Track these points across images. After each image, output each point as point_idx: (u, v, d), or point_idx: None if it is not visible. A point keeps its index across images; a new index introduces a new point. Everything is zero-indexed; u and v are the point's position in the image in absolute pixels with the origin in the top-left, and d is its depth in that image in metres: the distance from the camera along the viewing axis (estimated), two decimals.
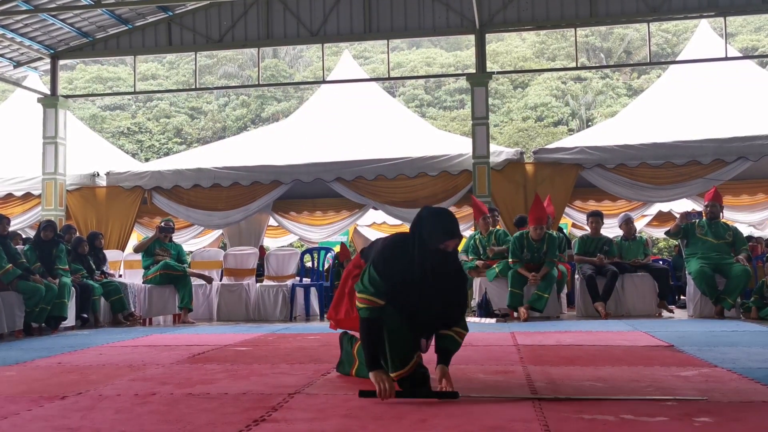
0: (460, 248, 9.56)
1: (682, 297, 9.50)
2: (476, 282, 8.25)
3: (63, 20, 10.41)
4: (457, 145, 10.83)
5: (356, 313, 3.38)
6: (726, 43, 10.98)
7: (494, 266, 7.94)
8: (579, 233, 10.97)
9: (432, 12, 10.31)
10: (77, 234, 8.86)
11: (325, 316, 3.40)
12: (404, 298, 3.16)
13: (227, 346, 5.28)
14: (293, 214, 12.58)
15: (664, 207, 12.68)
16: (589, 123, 27.97)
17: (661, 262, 9.71)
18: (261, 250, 10.57)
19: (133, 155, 25.04)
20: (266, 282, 8.94)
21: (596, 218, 8.36)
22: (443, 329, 3.26)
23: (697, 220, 7.96)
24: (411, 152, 10.42)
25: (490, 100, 18.86)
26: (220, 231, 13.17)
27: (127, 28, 10.90)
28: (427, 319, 3.24)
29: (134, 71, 12.60)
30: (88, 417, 2.80)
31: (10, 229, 7.47)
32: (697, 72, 11.59)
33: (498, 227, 8.81)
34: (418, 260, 3.15)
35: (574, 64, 17.92)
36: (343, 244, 13.16)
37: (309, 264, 10.85)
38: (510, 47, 33.82)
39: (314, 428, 2.54)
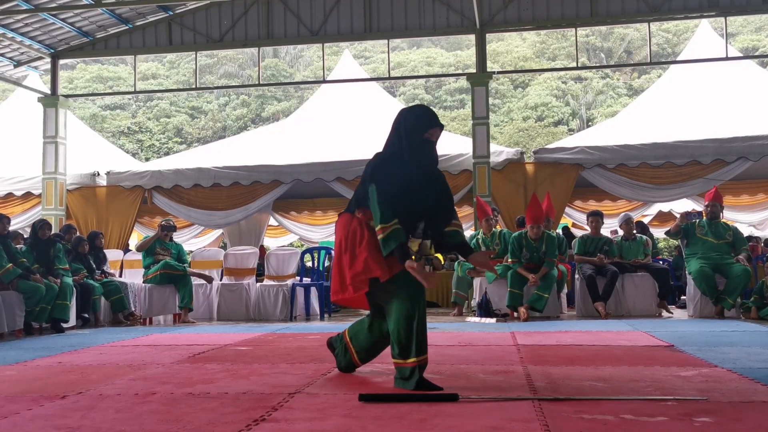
0: None
1: (682, 297, 9.50)
2: (476, 282, 8.25)
3: (63, 20, 10.42)
4: (458, 145, 10.83)
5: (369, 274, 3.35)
6: (726, 43, 10.99)
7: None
8: (579, 233, 10.97)
9: (432, 12, 10.31)
10: (77, 233, 8.86)
11: (331, 298, 3.47)
12: (407, 196, 3.31)
13: (227, 346, 5.28)
14: (293, 214, 12.58)
15: (664, 207, 12.69)
16: (590, 123, 27.96)
17: (661, 262, 9.70)
18: (261, 250, 10.57)
19: (134, 155, 25.04)
20: (266, 282, 8.94)
21: (596, 218, 8.36)
22: (447, 224, 3.48)
23: (698, 220, 7.95)
24: None
25: (491, 100, 18.86)
26: (220, 231, 13.18)
27: (127, 27, 10.91)
28: (429, 210, 3.42)
29: (134, 71, 12.60)
30: (88, 416, 2.80)
31: (11, 228, 7.47)
32: (698, 72, 11.60)
33: (498, 227, 8.80)
34: (407, 154, 3.35)
35: (574, 64, 17.92)
36: None
37: (309, 264, 10.85)
38: (510, 47, 33.80)
39: (314, 428, 2.54)
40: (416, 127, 3.35)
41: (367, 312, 3.62)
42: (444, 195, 3.50)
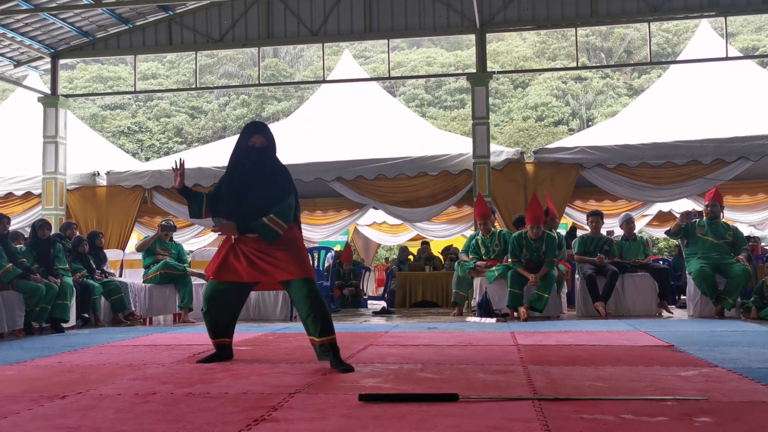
0: (460, 248, 9.58)
1: (682, 297, 9.49)
2: (476, 282, 8.25)
3: (63, 19, 10.42)
4: (458, 145, 10.83)
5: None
6: (726, 43, 10.98)
7: (493, 268, 7.94)
8: (579, 233, 10.97)
9: (432, 11, 10.31)
10: (77, 232, 8.85)
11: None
12: (234, 191, 4.09)
13: None
14: None
15: (664, 207, 12.69)
16: (590, 123, 27.97)
17: (661, 262, 9.69)
18: None
19: (134, 155, 25.06)
20: None
21: (596, 218, 8.36)
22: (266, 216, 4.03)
23: (698, 220, 7.95)
24: (411, 152, 10.41)
25: (491, 100, 18.87)
26: None
27: (127, 27, 10.91)
28: (253, 207, 4.02)
29: (134, 70, 12.59)
30: (88, 416, 2.80)
31: (11, 228, 7.46)
32: (698, 72, 11.59)
33: (498, 227, 8.80)
34: (240, 159, 4.13)
35: (574, 64, 17.93)
36: (347, 245, 13.17)
37: None
38: (510, 47, 33.82)
39: (314, 428, 2.54)
40: (242, 136, 4.19)
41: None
42: (270, 193, 4.05)
